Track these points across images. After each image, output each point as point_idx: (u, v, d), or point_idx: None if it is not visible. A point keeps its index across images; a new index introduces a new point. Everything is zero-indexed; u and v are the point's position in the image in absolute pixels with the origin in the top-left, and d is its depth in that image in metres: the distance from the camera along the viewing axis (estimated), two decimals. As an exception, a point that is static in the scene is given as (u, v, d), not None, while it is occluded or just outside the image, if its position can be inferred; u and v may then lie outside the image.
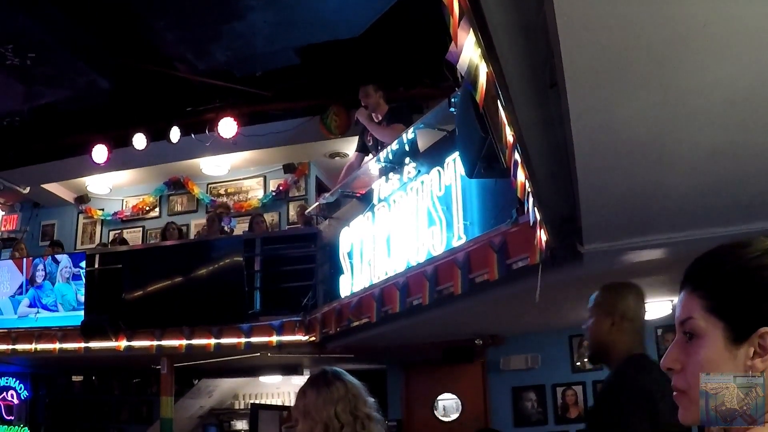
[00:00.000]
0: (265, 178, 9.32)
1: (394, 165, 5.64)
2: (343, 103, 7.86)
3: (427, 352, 6.59)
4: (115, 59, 7.46)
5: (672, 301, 4.88)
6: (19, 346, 7.68)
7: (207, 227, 8.42)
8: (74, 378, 9.51)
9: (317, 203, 7.19)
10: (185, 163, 9.13)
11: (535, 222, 3.39)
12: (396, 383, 7.09)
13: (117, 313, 7.20)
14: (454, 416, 6.71)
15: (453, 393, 6.75)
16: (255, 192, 9.34)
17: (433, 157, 5.16)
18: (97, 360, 7.81)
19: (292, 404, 2.31)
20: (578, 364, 6.18)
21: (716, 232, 3.05)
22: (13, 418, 8.86)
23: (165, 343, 7.07)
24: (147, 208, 9.84)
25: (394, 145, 5.56)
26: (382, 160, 5.77)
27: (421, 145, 5.54)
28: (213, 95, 8.45)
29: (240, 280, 6.82)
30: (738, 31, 1.68)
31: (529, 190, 2.92)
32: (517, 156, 2.65)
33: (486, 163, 3.41)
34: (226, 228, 8.40)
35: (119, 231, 9.84)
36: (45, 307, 7.72)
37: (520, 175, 2.86)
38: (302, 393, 2.15)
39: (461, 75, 3.00)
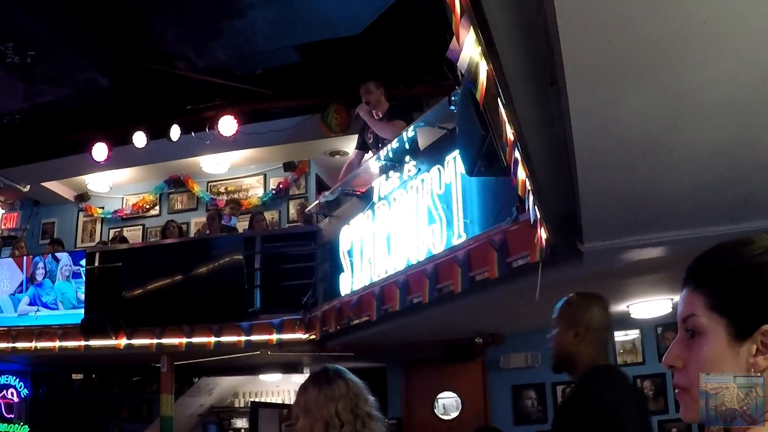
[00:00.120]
0: (265, 176, 9.32)
1: (395, 163, 5.64)
2: (344, 101, 7.85)
3: (427, 351, 6.58)
4: (116, 57, 7.45)
5: (672, 299, 4.88)
6: (19, 344, 7.68)
7: (207, 225, 8.42)
8: (74, 376, 9.50)
9: (317, 201, 7.17)
10: (185, 161, 9.14)
11: (535, 220, 3.39)
12: (396, 381, 7.09)
13: (117, 311, 7.21)
14: (454, 414, 6.71)
15: (453, 391, 6.75)
16: (255, 190, 9.35)
17: (433, 155, 5.15)
18: (97, 358, 7.81)
19: (292, 402, 2.30)
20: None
21: (717, 230, 3.05)
22: (13, 416, 8.86)
23: (165, 341, 7.08)
24: (147, 206, 9.85)
25: (395, 143, 5.55)
26: (382, 158, 5.77)
27: (422, 143, 5.53)
28: (213, 93, 8.45)
29: (240, 279, 6.82)
30: (738, 29, 1.68)
31: (530, 188, 2.92)
32: (517, 154, 2.65)
33: (486, 161, 3.40)
34: (228, 224, 8.38)
35: (119, 229, 9.86)
36: (45, 305, 7.73)
37: (521, 173, 2.86)
38: (303, 390, 2.14)
39: (461, 73, 3.00)
